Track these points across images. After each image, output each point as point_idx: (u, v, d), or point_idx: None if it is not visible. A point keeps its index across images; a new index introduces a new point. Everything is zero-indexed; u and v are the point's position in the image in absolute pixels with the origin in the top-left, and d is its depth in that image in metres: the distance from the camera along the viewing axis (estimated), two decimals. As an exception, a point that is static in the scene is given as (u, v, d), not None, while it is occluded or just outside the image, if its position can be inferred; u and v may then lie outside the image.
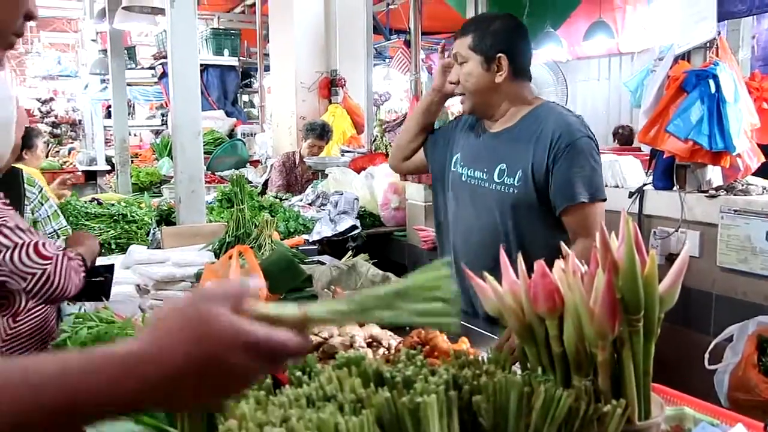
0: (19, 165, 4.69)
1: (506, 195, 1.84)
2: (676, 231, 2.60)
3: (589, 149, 1.79)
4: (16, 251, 1.43)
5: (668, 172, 2.67)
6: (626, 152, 3.92)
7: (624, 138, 6.87)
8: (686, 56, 2.67)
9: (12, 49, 0.88)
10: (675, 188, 2.68)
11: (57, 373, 0.55)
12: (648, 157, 2.97)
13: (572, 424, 0.84)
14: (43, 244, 1.49)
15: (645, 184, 2.84)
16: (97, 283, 1.70)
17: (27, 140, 4.73)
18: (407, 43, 6.07)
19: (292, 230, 3.44)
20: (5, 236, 1.43)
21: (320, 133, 5.02)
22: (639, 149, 4.21)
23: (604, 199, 1.83)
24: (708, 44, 2.58)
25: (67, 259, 1.51)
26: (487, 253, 1.75)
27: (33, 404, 0.53)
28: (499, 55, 1.82)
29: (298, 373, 0.85)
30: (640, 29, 7.18)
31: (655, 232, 2.73)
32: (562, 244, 1.05)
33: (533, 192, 1.81)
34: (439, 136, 2.12)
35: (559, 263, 0.95)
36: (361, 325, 1.51)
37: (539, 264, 0.91)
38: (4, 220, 1.44)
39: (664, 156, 2.62)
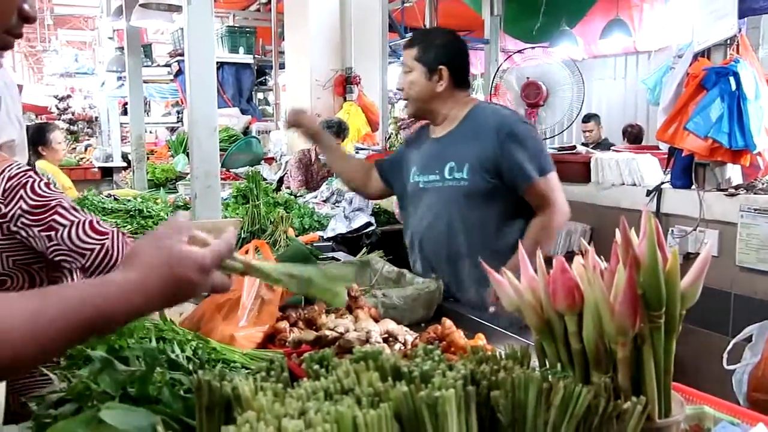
0: (40, 162, 4.73)
1: (458, 188, 2.03)
2: (695, 230, 2.58)
3: (527, 133, 2.01)
4: (73, 229, 1.47)
5: (687, 171, 2.65)
6: (644, 150, 3.89)
7: (633, 136, 6.86)
8: (706, 53, 2.64)
9: (8, 50, 0.89)
10: (693, 187, 2.65)
11: (78, 292, 0.80)
12: (666, 156, 2.94)
13: (591, 421, 0.83)
14: (98, 221, 1.53)
15: (663, 183, 2.82)
16: None
17: (40, 136, 4.77)
18: (422, 41, 6.04)
19: (306, 227, 3.44)
20: (61, 215, 1.47)
21: (337, 130, 5.02)
22: (657, 147, 4.17)
23: (554, 170, 2.05)
24: (728, 41, 2.55)
25: (121, 233, 1.56)
26: (448, 245, 2.04)
27: (62, 316, 0.75)
28: (441, 67, 2.01)
29: (316, 366, 0.85)
30: (658, 27, 7.12)
31: (672, 230, 2.70)
32: (582, 240, 1.04)
33: (482, 182, 2.00)
34: (394, 162, 2.30)
35: (578, 259, 0.95)
36: (377, 321, 1.51)
37: (559, 260, 0.91)
38: (59, 201, 1.48)
39: (683, 154, 2.59)
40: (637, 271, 0.83)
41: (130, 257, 0.83)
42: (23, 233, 1.46)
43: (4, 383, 0.94)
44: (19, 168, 1.47)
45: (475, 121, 2.04)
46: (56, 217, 1.47)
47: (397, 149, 2.38)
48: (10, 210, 1.44)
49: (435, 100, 2.06)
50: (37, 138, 4.74)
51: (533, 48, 5.21)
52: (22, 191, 1.45)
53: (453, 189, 2.04)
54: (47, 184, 1.49)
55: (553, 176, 2.03)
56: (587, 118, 6.93)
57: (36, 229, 1.45)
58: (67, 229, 1.47)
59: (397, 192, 2.33)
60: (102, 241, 1.50)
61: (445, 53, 2.03)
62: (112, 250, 1.52)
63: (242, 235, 2.47)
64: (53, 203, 1.47)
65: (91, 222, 1.51)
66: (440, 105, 2.07)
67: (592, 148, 5.23)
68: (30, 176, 1.47)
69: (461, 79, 2.07)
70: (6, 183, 1.45)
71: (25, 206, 1.45)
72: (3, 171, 1.46)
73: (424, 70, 2.03)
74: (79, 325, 0.76)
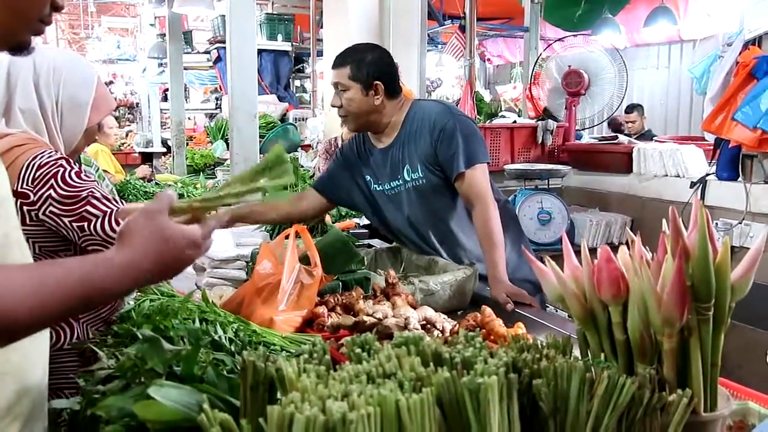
0: (93, 145, 4.81)
1: (420, 187, 2.17)
2: (740, 223, 2.52)
3: (455, 128, 2.10)
4: (106, 219, 1.46)
5: (733, 162, 2.58)
6: (688, 141, 3.80)
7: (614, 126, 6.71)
8: (757, 41, 2.56)
9: (39, 35, 0.93)
10: (740, 179, 2.58)
11: (77, 271, 0.83)
12: (711, 147, 2.87)
13: (635, 412, 0.82)
14: None
15: (708, 174, 2.75)
16: None
17: None
18: (462, 29, 5.98)
19: (343, 214, 3.45)
20: (94, 206, 1.46)
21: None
22: (702, 138, 4.07)
23: (482, 162, 2.12)
24: (781, 29, 2.47)
25: None
26: (433, 235, 2.19)
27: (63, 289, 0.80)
28: (376, 82, 2.11)
29: (358, 350, 0.86)
30: (704, 15, 6.93)
31: (717, 223, 2.64)
32: (628, 230, 1.02)
33: (435, 177, 2.14)
34: (334, 179, 2.37)
35: (623, 249, 0.93)
36: (415, 307, 1.52)
37: (604, 249, 0.89)
38: (91, 191, 1.47)
39: (730, 145, 2.53)
40: (686, 262, 0.82)
41: (125, 235, 0.88)
42: (52, 222, 1.45)
43: (45, 361, 0.96)
44: (51, 156, 1.46)
45: (413, 123, 2.17)
46: (88, 207, 1.45)
47: (331, 168, 2.45)
48: (39, 198, 1.44)
49: (374, 113, 2.16)
50: None
51: (575, 36, 5.12)
52: (52, 180, 1.44)
53: (416, 188, 2.18)
54: (78, 174, 1.48)
55: (480, 167, 2.11)
56: (630, 109, 6.76)
57: (67, 220, 1.45)
58: (99, 220, 1.45)
59: (347, 204, 2.48)
60: None
61: (377, 68, 2.13)
62: None
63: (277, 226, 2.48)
64: (85, 193, 1.46)
65: None
66: (380, 116, 2.18)
67: (635, 139, 5.12)
68: (61, 165, 1.46)
69: (393, 89, 2.18)
70: (36, 171, 1.44)
71: (55, 195, 1.44)
72: (34, 158, 1.45)
73: (359, 87, 2.12)
74: (77, 301, 0.82)
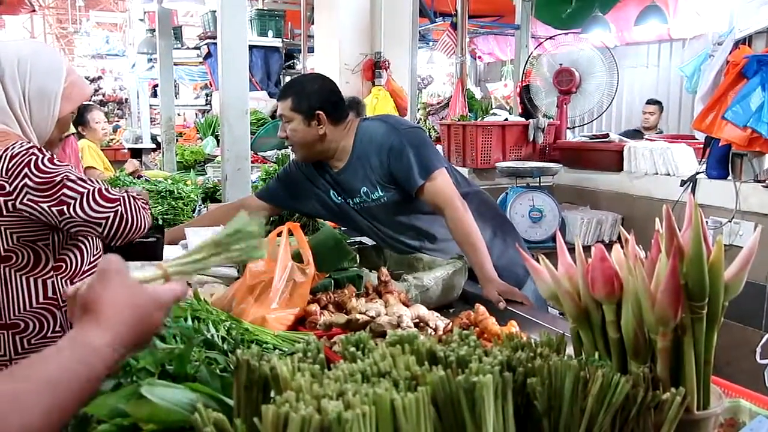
0: (81, 141, 4.74)
1: (382, 204, 2.18)
2: (730, 221, 2.53)
3: (402, 144, 2.09)
4: (84, 200, 1.49)
5: (723, 161, 2.60)
6: (678, 140, 3.82)
7: None
8: (747, 41, 2.58)
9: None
10: (730, 177, 2.60)
11: (59, 369, 0.74)
12: (701, 145, 2.88)
13: (629, 411, 0.82)
14: (106, 189, 1.54)
15: (698, 173, 2.77)
16: (149, 244, 1.75)
17: (79, 117, 4.79)
18: (453, 26, 5.98)
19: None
20: (70, 188, 1.48)
21: (350, 105, 4.98)
22: (692, 136, 4.10)
23: (438, 168, 2.10)
24: (771, 28, 2.49)
25: (131, 197, 1.58)
26: (402, 243, 2.20)
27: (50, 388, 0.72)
28: (318, 112, 2.11)
29: (352, 349, 0.85)
30: (694, 14, 6.96)
31: (707, 222, 2.66)
32: (622, 229, 1.03)
33: (395, 193, 2.15)
34: (287, 186, 2.37)
35: (617, 247, 0.93)
36: (407, 305, 1.51)
37: (598, 248, 0.89)
38: (66, 175, 1.49)
39: (720, 144, 2.54)
40: (680, 260, 0.82)
41: (97, 310, 0.80)
42: (30, 210, 1.47)
43: None
44: (22, 146, 1.48)
45: (363, 145, 2.18)
46: (65, 191, 1.48)
47: (279, 175, 2.48)
48: (15, 188, 1.45)
49: (319, 143, 2.16)
50: (77, 118, 4.76)
51: (566, 34, 5.13)
52: (26, 169, 1.46)
53: (378, 205, 2.19)
54: (51, 160, 1.50)
55: (438, 174, 2.09)
56: (652, 101, 6.65)
57: (45, 205, 1.47)
58: (78, 202, 1.48)
59: (304, 211, 2.45)
60: (114, 208, 1.52)
61: (318, 98, 2.14)
62: (126, 215, 1.54)
63: (271, 219, 2.48)
64: (59, 177, 1.48)
65: (99, 190, 1.52)
66: (326, 145, 2.18)
67: (656, 133, 5.00)
68: (33, 153, 1.48)
69: (338, 116, 2.17)
70: (9, 162, 1.46)
71: (31, 183, 1.46)
72: (5, 150, 1.47)
73: (301, 118, 2.13)
74: (69, 401, 0.74)
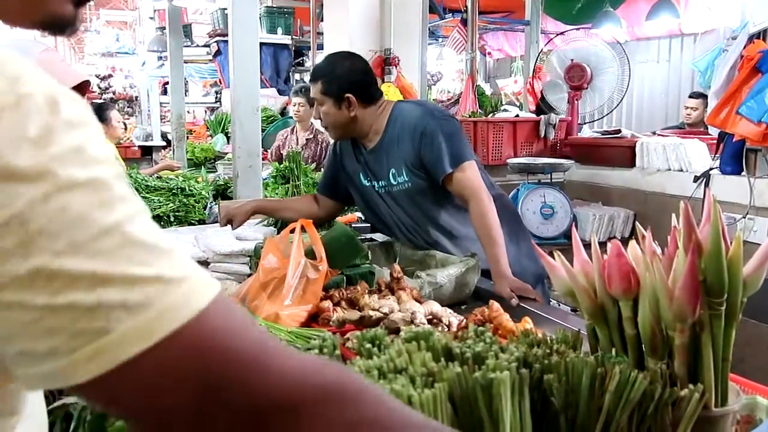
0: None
1: (406, 190, 2.18)
2: (744, 217, 2.51)
3: (436, 130, 2.08)
4: None
5: (737, 157, 2.57)
6: (692, 135, 3.79)
7: None
8: (762, 35, 2.55)
9: (87, 3, 0.79)
10: (744, 173, 2.58)
11: None
12: (715, 141, 2.86)
13: (646, 407, 0.81)
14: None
15: (711, 169, 2.74)
16: None
17: (100, 115, 4.88)
18: (464, 22, 5.96)
19: (345, 208, 3.44)
20: None
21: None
22: (705, 132, 4.06)
23: (469, 160, 2.09)
24: (786, 22, 2.46)
25: None
26: (422, 236, 2.19)
27: None
28: (347, 95, 2.11)
29: (368, 345, 0.85)
30: (705, 9, 6.90)
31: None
32: (638, 225, 1.02)
33: (421, 180, 2.14)
34: (332, 179, 2.41)
35: (633, 243, 0.93)
36: (420, 302, 1.51)
37: (615, 244, 0.89)
38: None
39: (734, 139, 2.52)
40: (699, 256, 0.81)
41: None
42: None
43: None
44: None
45: (396, 127, 2.17)
46: None
47: (326, 166, 2.51)
48: None
49: (352, 124, 2.17)
50: (97, 117, 4.85)
51: (576, 30, 5.11)
52: None
53: (402, 191, 2.19)
54: None
55: (468, 165, 2.08)
56: (696, 95, 5.86)
57: None
58: None
59: (347, 201, 2.46)
60: None
61: (347, 81, 2.13)
62: None
63: (282, 215, 2.48)
64: None
65: None
66: (359, 125, 2.18)
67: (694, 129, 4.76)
68: None
69: (370, 96, 2.17)
70: None
71: None
72: None
73: (332, 102, 2.13)
74: None
